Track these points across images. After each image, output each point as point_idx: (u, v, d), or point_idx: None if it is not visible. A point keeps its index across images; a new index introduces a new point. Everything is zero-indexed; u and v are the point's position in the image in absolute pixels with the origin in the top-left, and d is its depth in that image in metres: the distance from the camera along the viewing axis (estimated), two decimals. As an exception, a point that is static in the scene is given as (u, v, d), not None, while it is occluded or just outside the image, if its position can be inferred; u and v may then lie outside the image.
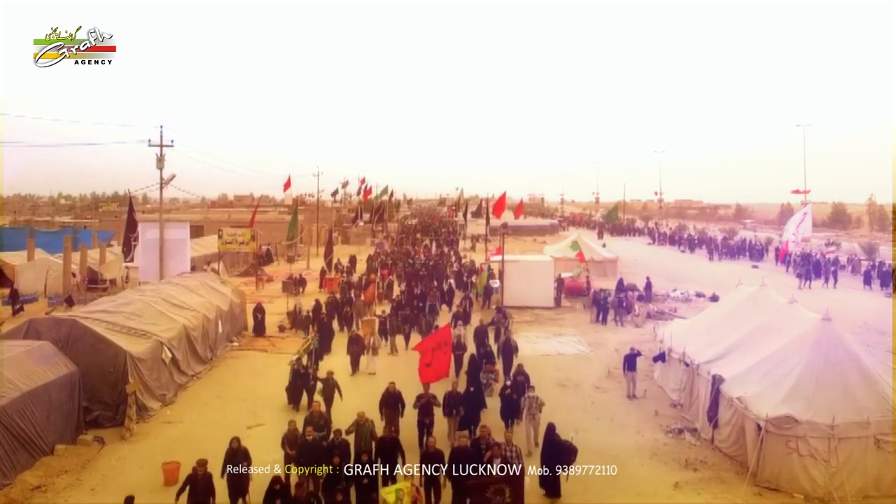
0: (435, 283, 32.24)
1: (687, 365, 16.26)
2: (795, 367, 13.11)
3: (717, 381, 14.16)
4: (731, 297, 19.24)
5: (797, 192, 61.13)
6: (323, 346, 20.95)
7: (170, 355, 16.84)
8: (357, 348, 19.75)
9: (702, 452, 13.81)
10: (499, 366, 18.83)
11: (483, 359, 17.93)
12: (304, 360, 17.37)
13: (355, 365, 19.62)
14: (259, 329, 24.33)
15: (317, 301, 27.21)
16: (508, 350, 19.15)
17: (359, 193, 77.07)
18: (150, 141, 26.17)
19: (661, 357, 18.13)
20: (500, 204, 42.45)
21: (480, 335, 20.39)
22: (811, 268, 37.77)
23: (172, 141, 26.46)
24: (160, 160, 26.10)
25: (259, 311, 24.58)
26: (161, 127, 26.00)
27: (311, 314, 24.94)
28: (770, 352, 14.13)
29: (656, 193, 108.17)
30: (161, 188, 26.52)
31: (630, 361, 17.53)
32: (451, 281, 33.79)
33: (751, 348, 14.92)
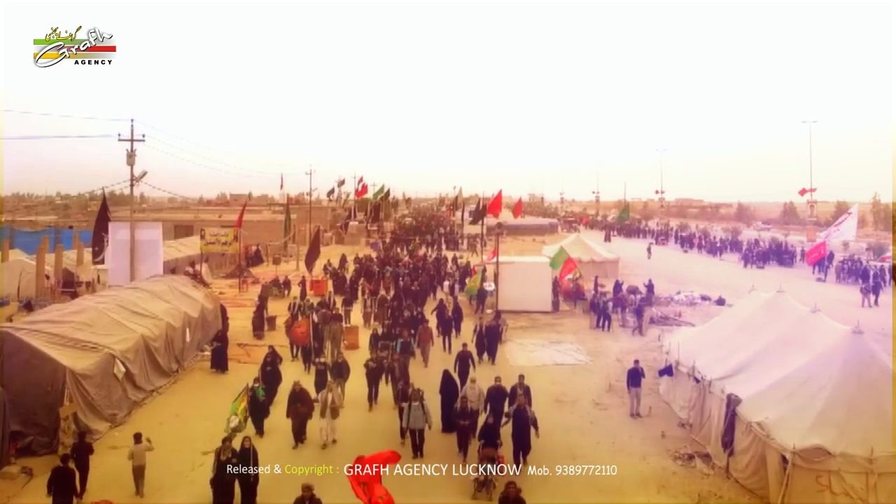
0: (427, 301, 27.62)
1: (697, 381, 14.62)
2: (823, 387, 11.49)
3: (732, 403, 12.51)
4: (744, 305, 17.53)
5: (804, 191, 59.67)
6: (268, 397, 15.14)
7: (123, 369, 15.19)
8: (304, 409, 13.99)
9: (716, 484, 12.18)
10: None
11: (486, 435, 12.35)
12: (239, 435, 12.05)
13: (300, 432, 13.98)
14: (219, 361, 19.36)
15: (258, 306, 24.61)
16: (522, 423, 12.76)
17: (355, 192, 75.60)
18: (119, 135, 24.58)
19: (667, 371, 16.46)
20: (496, 203, 40.67)
21: (495, 398, 14.05)
22: (880, 280, 32.67)
23: (143, 135, 24.89)
24: (130, 156, 24.50)
25: (219, 338, 20.14)
26: (132, 121, 24.47)
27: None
28: (792, 369, 12.49)
29: (657, 192, 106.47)
30: (132, 185, 24.91)
31: (633, 376, 15.88)
32: (451, 297, 28.73)
33: (769, 364, 13.27)
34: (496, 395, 14.12)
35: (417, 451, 13.38)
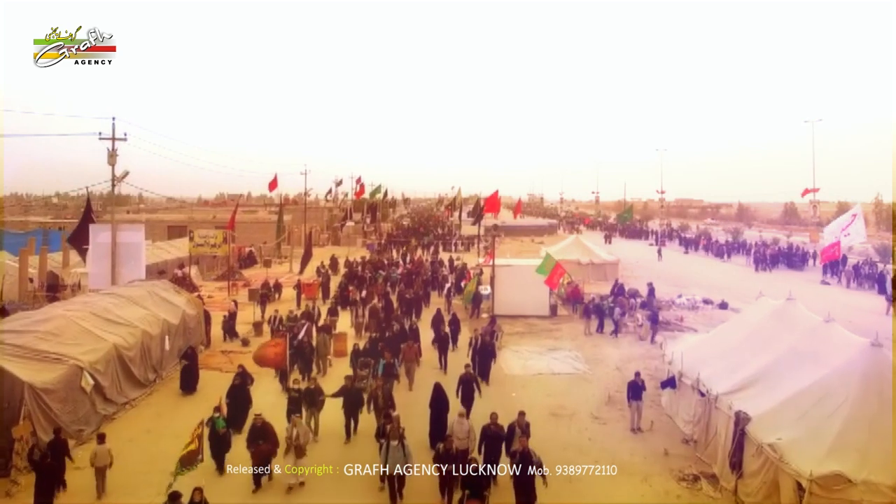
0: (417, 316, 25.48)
1: (702, 394, 13.71)
2: (841, 406, 10.58)
3: (741, 421, 11.60)
4: (751, 312, 16.62)
5: (806, 191, 58.71)
6: (234, 423, 13.58)
7: (91, 382, 14.26)
8: (266, 446, 12.04)
9: (724, 509, 11.26)
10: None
11: (472, 484, 10.34)
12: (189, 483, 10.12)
13: (262, 473, 12.09)
14: (187, 381, 17.48)
15: (230, 311, 23.43)
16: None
17: (354, 193, 74.61)
18: (100, 134, 23.63)
19: (670, 382, 15.54)
20: (492, 203, 39.70)
21: (492, 440, 11.92)
22: None
23: (126, 134, 23.99)
24: (112, 155, 23.56)
25: (189, 355, 17.82)
26: (113, 119, 23.52)
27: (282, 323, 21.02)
28: (805, 384, 11.56)
29: (658, 192, 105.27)
30: (113, 185, 24.00)
31: (634, 389, 14.96)
32: (447, 301, 28.06)
33: (780, 378, 12.36)
34: (493, 436, 11.81)
35: (395, 497, 11.27)
